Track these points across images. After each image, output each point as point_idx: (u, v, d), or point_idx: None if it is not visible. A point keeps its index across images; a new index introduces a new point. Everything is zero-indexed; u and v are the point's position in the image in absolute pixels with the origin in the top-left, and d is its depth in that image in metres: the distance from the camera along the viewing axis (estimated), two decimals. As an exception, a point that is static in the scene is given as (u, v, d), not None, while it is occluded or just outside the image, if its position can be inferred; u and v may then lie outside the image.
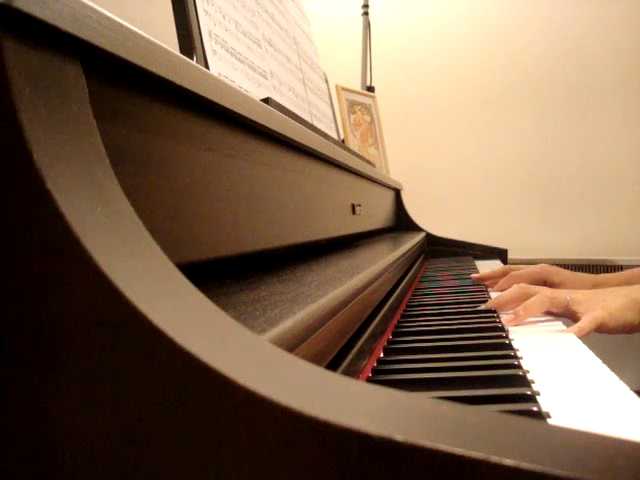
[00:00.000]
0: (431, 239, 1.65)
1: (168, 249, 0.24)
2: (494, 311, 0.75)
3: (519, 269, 1.00)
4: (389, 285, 0.73)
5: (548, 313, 0.76)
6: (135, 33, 0.29)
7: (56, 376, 0.20)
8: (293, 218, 0.59)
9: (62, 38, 0.23)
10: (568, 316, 0.74)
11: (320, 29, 1.67)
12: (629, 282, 0.92)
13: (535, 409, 0.40)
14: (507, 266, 1.06)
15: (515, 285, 0.79)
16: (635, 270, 0.96)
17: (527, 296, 0.74)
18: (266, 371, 0.19)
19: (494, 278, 1.01)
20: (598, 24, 2.05)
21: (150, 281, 0.21)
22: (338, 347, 0.41)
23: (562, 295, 0.74)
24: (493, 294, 0.87)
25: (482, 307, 0.77)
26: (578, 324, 0.68)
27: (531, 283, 0.91)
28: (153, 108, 0.33)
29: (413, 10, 2.20)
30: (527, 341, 0.63)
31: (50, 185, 0.19)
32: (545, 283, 0.94)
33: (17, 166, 0.19)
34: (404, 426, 0.16)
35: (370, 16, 1.94)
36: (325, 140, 0.74)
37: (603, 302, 0.72)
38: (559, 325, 0.71)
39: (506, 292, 0.78)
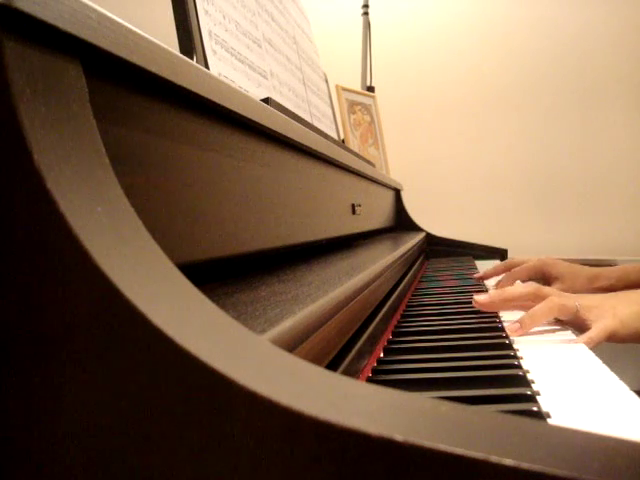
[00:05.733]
0: (431, 239, 1.65)
1: (168, 249, 0.24)
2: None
3: (520, 263, 0.98)
4: (389, 285, 0.73)
5: (556, 321, 0.70)
6: (135, 33, 0.29)
7: (56, 376, 0.20)
8: (293, 218, 0.59)
9: (62, 38, 0.23)
10: (577, 323, 0.68)
11: (320, 29, 1.67)
12: (621, 278, 0.92)
13: (535, 409, 0.40)
14: (508, 260, 1.06)
15: (528, 283, 0.74)
16: (628, 266, 0.96)
17: (537, 297, 0.69)
18: (266, 371, 0.19)
19: (497, 274, 1.02)
20: (597, 24, 2.05)
21: (150, 281, 0.21)
22: (338, 347, 0.41)
23: (571, 302, 0.67)
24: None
25: (486, 300, 0.73)
26: (588, 334, 0.64)
27: (530, 277, 0.94)
28: (153, 108, 0.33)
29: (413, 10, 2.20)
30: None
31: (50, 185, 0.19)
32: (544, 275, 0.95)
33: (17, 166, 0.19)
34: (404, 426, 0.16)
35: (370, 16, 1.93)
36: (325, 140, 0.74)
37: (613, 309, 0.67)
38: (568, 334, 0.65)
39: (518, 287, 0.72)
